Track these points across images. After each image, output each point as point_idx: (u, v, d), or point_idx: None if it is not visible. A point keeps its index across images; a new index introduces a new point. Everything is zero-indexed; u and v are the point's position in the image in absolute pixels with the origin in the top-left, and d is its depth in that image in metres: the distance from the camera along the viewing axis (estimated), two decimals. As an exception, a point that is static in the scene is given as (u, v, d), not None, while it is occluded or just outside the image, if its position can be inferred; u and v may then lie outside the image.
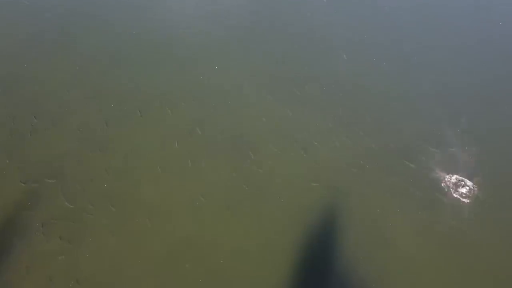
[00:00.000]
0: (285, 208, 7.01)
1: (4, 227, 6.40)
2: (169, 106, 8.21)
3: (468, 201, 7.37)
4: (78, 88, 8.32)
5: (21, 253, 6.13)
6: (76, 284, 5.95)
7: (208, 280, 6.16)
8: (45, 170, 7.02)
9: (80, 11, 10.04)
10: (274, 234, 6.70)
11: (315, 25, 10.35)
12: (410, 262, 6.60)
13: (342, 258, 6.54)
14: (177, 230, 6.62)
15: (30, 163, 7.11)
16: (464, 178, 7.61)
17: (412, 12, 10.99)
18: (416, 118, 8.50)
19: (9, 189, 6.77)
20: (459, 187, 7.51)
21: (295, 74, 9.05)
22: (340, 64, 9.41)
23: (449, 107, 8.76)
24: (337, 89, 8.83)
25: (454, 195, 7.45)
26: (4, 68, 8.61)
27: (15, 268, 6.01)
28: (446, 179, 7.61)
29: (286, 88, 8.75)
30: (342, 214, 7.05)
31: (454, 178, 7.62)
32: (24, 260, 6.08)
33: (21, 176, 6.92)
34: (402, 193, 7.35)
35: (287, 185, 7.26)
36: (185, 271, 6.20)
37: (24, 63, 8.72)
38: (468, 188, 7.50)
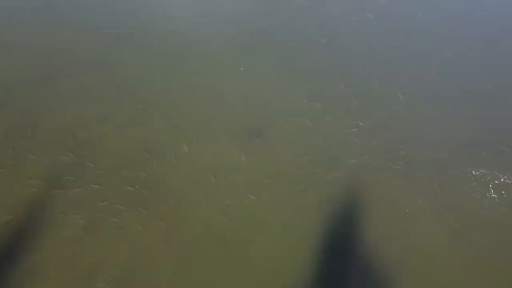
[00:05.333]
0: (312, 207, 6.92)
1: (30, 215, 6.70)
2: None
3: (507, 201, 6.89)
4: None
5: (45, 240, 6.39)
6: (99, 268, 6.15)
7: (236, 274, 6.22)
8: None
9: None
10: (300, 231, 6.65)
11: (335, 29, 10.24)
12: (440, 265, 6.32)
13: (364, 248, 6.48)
14: (201, 218, 6.68)
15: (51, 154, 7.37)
16: (502, 176, 7.20)
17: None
18: (445, 121, 8.17)
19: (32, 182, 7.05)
20: (496, 186, 7.08)
21: (341, 88, 8.72)
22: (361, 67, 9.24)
23: (473, 112, 8.33)
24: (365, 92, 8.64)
25: (491, 195, 7.01)
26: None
27: (40, 252, 6.28)
28: (481, 177, 7.22)
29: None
30: (367, 209, 6.90)
31: (490, 176, 7.21)
32: (48, 245, 6.35)
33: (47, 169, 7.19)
34: (432, 193, 7.10)
35: (314, 185, 7.15)
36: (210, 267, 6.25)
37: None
38: (507, 187, 7.04)
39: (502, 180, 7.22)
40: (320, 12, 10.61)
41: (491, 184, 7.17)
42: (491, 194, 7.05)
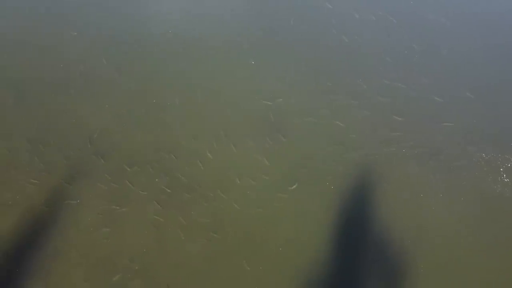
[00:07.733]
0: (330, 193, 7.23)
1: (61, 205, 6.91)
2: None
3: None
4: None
5: (66, 228, 6.65)
6: (120, 257, 6.47)
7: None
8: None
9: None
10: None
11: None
12: (452, 249, 6.66)
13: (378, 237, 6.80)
14: (232, 218, 6.92)
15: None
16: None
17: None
18: (459, 113, 8.33)
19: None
20: (508, 170, 7.29)
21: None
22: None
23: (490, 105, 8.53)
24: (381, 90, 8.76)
25: (504, 179, 7.29)
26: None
27: (63, 240, 6.56)
28: (492, 161, 7.48)
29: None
30: (381, 194, 7.23)
31: (501, 159, 7.44)
32: (70, 235, 6.60)
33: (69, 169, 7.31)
34: (444, 178, 7.42)
35: (335, 176, 7.42)
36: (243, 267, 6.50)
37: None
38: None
39: (514, 163, 7.63)
40: (341, 13, 10.36)
41: (502, 168, 7.57)
42: (503, 178, 7.46)
